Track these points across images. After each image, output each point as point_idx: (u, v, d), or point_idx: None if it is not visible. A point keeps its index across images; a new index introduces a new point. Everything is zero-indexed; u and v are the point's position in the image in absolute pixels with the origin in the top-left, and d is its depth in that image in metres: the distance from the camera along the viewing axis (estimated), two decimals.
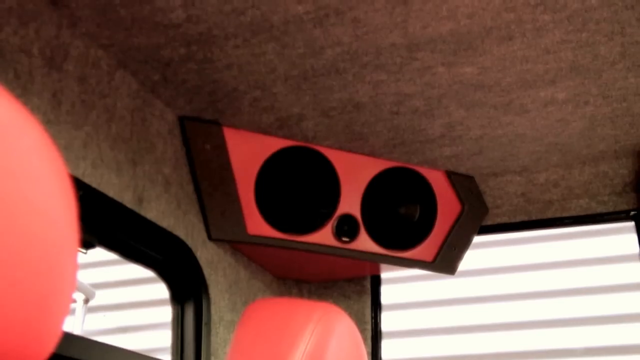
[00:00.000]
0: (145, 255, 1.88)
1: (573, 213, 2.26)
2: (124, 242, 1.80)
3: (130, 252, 1.84)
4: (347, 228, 2.17)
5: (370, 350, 2.38)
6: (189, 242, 1.94)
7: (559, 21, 1.57)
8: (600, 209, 2.22)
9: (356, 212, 2.18)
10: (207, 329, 1.95)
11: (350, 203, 2.17)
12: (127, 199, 1.71)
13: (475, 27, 1.59)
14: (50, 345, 0.48)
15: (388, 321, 2.46)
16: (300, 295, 2.50)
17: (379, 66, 1.75)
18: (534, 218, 2.30)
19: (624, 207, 2.19)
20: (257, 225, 2.08)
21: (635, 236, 2.18)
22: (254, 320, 1.17)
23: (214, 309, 2.00)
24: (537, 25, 1.58)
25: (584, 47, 1.66)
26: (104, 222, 1.69)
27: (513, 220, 2.33)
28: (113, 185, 1.66)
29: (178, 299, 1.97)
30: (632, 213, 2.18)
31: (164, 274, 1.96)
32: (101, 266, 3.21)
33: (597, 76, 1.78)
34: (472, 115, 1.96)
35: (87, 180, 1.57)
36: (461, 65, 1.74)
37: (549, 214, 2.28)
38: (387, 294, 2.49)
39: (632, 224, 2.20)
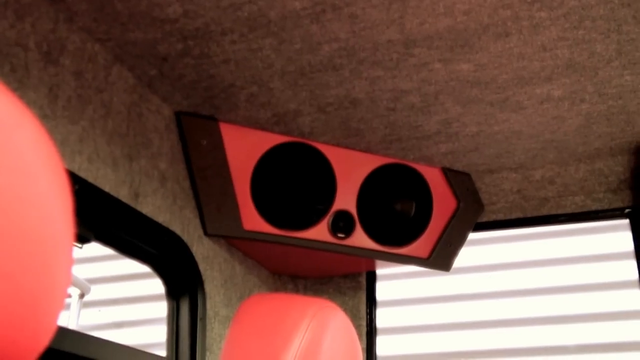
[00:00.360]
0: (141, 250, 1.88)
1: (568, 210, 2.26)
2: (120, 237, 1.80)
3: (125, 247, 1.84)
4: (342, 224, 2.17)
5: (365, 346, 2.39)
6: (185, 238, 1.94)
7: (556, 18, 1.57)
8: (596, 207, 2.23)
9: (352, 208, 2.18)
10: (203, 324, 1.95)
11: (346, 199, 2.17)
12: (123, 194, 1.71)
13: (472, 23, 1.59)
14: (45, 339, 0.48)
15: (383, 317, 2.47)
16: (296, 290, 2.51)
17: (375, 62, 1.75)
18: (529, 215, 2.31)
19: (619, 204, 2.20)
20: (253, 220, 2.08)
21: (630, 234, 2.19)
22: (249, 315, 1.17)
23: (209, 304, 2.00)
24: (533, 22, 1.58)
25: (580, 45, 1.66)
26: (100, 217, 1.69)
27: (509, 217, 2.33)
28: (109, 180, 1.66)
29: (173, 294, 1.97)
30: (627, 211, 2.19)
31: (160, 269, 1.96)
32: (97, 261, 3.21)
33: (593, 74, 1.78)
34: (469, 112, 1.96)
35: (83, 175, 1.57)
36: (458, 62, 1.74)
37: (545, 211, 2.29)
38: (383, 290, 2.49)
39: (627, 221, 2.20)
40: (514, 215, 2.32)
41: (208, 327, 1.98)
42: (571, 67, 1.76)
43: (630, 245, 2.20)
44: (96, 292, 3.16)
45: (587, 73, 1.78)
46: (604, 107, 1.92)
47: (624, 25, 1.59)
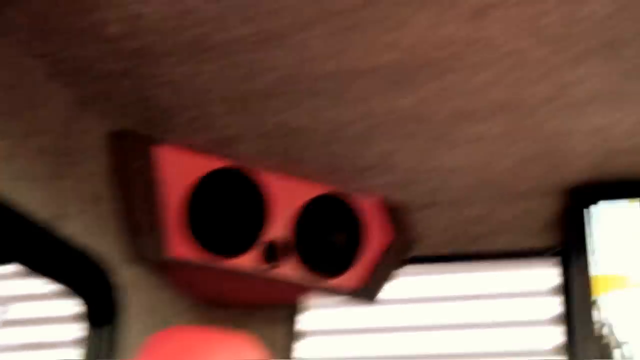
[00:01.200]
0: (60, 274, 1.82)
1: (500, 247, 2.30)
2: (39, 261, 1.74)
3: (44, 270, 1.79)
4: (274, 253, 2.15)
5: None
6: (110, 262, 1.89)
7: (494, 60, 1.61)
8: (526, 245, 2.27)
9: (286, 237, 2.16)
10: (119, 353, 1.89)
11: (280, 227, 2.15)
12: (48, 214, 1.65)
13: (415, 59, 1.61)
14: None
15: (312, 348, 2.44)
16: (224, 320, 2.45)
17: (317, 92, 1.75)
18: (461, 251, 2.33)
19: (549, 243, 2.25)
20: (182, 246, 2.04)
21: (558, 271, 2.23)
22: (155, 354, 1.13)
23: (130, 332, 1.94)
24: (473, 62, 1.62)
25: (517, 86, 1.70)
26: (19, 240, 1.64)
27: (441, 252, 2.35)
28: (35, 199, 1.61)
29: (93, 320, 1.91)
30: (557, 250, 2.24)
31: (79, 294, 1.90)
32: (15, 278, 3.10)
33: (528, 115, 1.82)
34: (407, 146, 1.98)
35: (7, 193, 1.52)
36: (399, 97, 1.76)
37: (476, 248, 2.32)
38: (314, 320, 2.47)
39: (556, 259, 2.25)
40: (446, 251, 2.35)
41: (127, 356, 1.92)
42: (507, 108, 1.79)
43: (558, 283, 2.24)
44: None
45: (522, 114, 1.82)
46: (537, 148, 1.97)
47: (560, 70, 1.64)
